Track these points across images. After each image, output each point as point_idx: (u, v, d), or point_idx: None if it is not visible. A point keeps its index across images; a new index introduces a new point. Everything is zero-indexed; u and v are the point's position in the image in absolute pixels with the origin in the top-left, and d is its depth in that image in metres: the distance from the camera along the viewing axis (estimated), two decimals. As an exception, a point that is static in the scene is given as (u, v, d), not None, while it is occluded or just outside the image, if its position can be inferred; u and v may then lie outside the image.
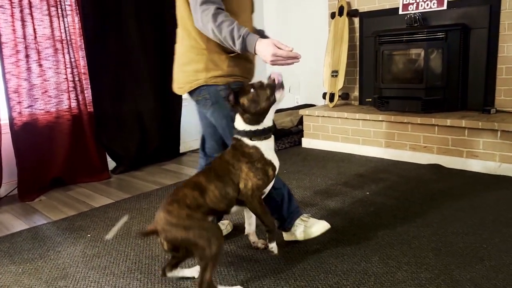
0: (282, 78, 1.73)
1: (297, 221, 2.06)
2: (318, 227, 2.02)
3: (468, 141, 3.15)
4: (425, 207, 2.49)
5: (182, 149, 4.34)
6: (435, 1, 3.49)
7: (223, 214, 1.88)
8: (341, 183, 3.02)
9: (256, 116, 1.73)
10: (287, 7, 4.79)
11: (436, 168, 3.23)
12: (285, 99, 4.98)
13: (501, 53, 3.27)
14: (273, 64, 1.67)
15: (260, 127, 1.75)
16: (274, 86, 1.71)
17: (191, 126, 4.46)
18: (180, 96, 4.17)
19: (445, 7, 3.45)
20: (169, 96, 4.06)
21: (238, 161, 1.75)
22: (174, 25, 4.08)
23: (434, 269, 1.81)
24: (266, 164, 1.77)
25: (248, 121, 1.75)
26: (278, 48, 1.63)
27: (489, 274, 1.75)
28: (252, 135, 1.75)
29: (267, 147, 1.78)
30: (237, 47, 1.70)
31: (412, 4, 3.64)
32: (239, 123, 1.78)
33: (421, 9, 3.58)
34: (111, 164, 3.77)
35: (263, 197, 1.84)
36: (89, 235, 2.41)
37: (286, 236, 2.12)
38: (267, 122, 1.77)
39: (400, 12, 3.70)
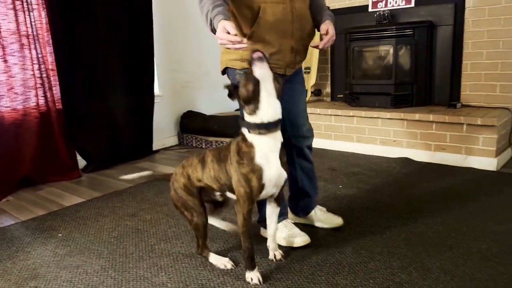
0: (263, 55, 1.58)
1: (280, 224, 2.06)
2: (299, 240, 2.00)
3: (435, 134, 3.25)
4: (395, 199, 2.55)
5: (155, 146, 4.28)
6: (403, -1, 3.59)
7: (221, 194, 1.90)
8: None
9: (249, 104, 1.60)
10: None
11: (405, 161, 3.31)
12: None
13: (466, 49, 3.38)
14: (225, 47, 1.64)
15: (257, 120, 1.60)
16: (251, 63, 1.57)
17: (164, 123, 4.42)
18: (153, 92, 4.12)
19: (413, 4, 3.55)
20: (142, 92, 4.02)
21: (234, 156, 1.67)
22: (147, 17, 4.01)
23: (406, 258, 1.86)
24: (252, 171, 1.63)
25: (247, 111, 1.63)
26: (227, 32, 1.57)
27: (458, 261, 1.81)
28: (248, 126, 1.62)
29: (264, 146, 1.63)
30: (209, 29, 1.70)
31: (381, 1, 3.72)
32: (245, 114, 1.68)
33: (389, 7, 3.67)
34: (82, 162, 3.69)
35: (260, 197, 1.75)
36: (60, 235, 2.35)
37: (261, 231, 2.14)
38: (265, 115, 1.59)
39: (370, 9, 3.78)
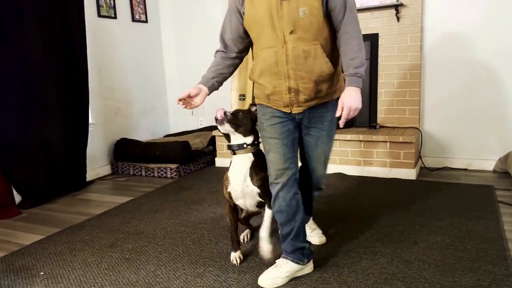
0: (221, 113, 2.03)
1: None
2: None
3: (364, 152, 3.79)
4: (351, 208, 2.95)
5: (89, 177, 4.11)
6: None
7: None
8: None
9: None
10: (187, 36, 4.98)
11: (341, 176, 3.78)
12: (190, 121, 5.14)
13: (380, 79, 4.03)
14: None
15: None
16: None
17: (97, 151, 4.27)
18: (88, 120, 3.99)
19: (335, 41, 4.11)
20: (77, 121, 3.87)
21: None
22: (82, 44, 3.87)
23: (387, 255, 2.23)
24: (225, 180, 2.19)
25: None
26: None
27: (426, 252, 2.24)
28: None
29: (234, 163, 2.13)
30: None
31: (308, 37, 4.21)
32: None
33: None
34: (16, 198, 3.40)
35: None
36: (42, 273, 2.22)
37: None
38: (232, 142, 2.12)
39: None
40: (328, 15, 1.82)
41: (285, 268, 2.03)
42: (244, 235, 2.53)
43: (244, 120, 2.08)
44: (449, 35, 3.77)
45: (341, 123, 1.80)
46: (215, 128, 4.78)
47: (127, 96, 4.64)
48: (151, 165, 4.16)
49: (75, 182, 3.88)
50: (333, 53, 1.91)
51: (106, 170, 4.39)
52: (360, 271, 2.07)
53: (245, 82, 4.42)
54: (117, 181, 4.10)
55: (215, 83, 2.01)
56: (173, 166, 4.06)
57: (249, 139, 2.09)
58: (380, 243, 2.37)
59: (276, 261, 2.08)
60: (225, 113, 2.03)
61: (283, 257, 2.06)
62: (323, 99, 1.95)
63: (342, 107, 1.78)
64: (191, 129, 5.10)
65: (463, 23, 3.70)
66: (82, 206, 3.37)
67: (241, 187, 2.11)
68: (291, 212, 2.00)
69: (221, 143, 4.38)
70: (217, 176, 4.00)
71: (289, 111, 1.97)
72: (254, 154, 2.10)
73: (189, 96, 1.92)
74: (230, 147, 2.11)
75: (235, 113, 2.09)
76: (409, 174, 3.64)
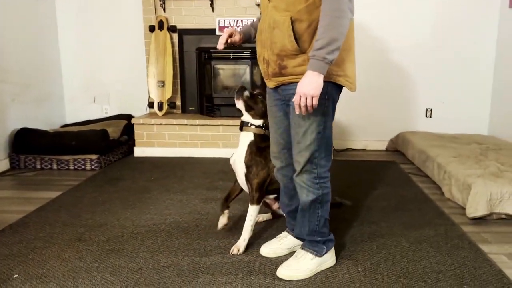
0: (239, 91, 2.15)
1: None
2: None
3: (286, 136, 4.11)
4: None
5: (-14, 173, 3.51)
6: (247, 27, 4.32)
7: None
8: (217, 180, 3.39)
9: None
10: (88, 16, 4.58)
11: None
12: (91, 110, 4.75)
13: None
14: None
15: None
16: None
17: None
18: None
19: (254, 32, 4.33)
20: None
21: None
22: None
23: (355, 219, 2.58)
24: None
25: None
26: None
27: (383, 214, 2.66)
28: None
29: (240, 139, 2.22)
30: None
31: (227, 27, 4.34)
32: None
33: (234, 32, 4.33)
34: None
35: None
36: (16, 276, 1.93)
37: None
38: (243, 118, 2.22)
39: (217, 33, 4.34)
40: None
41: (285, 241, 2.19)
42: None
43: (259, 104, 2.15)
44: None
45: (296, 110, 1.69)
46: (129, 117, 4.53)
47: (24, 80, 4.07)
48: (66, 157, 3.76)
49: (-28, 179, 3.29)
50: (308, 29, 1.72)
51: (4, 164, 3.78)
52: (342, 233, 2.36)
53: (164, 68, 4.32)
54: (25, 176, 3.59)
55: (251, 28, 2.05)
56: (94, 157, 3.75)
57: (257, 122, 2.16)
58: (342, 211, 2.70)
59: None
60: (242, 88, 2.15)
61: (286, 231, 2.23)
62: (292, 77, 1.78)
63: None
64: (93, 118, 4.72)
65: (367, 22, 4.33)
66: (3, 204, 2.90)
67: (236, 159, 2.21)
68: (289, 194, 2.11)
69: (140, 132, 4.20)
70: (143, 165, 3.85)
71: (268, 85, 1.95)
72: (256, 135, 2.16)
73: (230, 36, 1.99)
74: (241, 122, 2.22)
75: (254, 95, 2.16)
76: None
